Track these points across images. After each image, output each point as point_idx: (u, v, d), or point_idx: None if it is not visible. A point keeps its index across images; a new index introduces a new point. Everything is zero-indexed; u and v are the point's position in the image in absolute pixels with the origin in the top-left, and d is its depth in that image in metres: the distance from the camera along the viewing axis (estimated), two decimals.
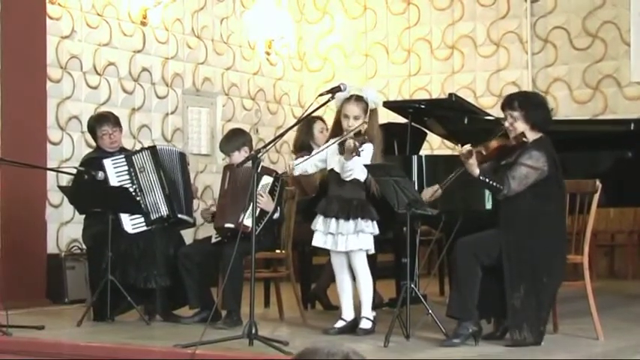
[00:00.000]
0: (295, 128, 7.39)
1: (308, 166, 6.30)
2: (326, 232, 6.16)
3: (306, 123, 7.75)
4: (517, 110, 5.70)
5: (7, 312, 6.22)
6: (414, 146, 7.69)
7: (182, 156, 7.31)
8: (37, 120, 8.55)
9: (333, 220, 6.12)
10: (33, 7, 8.55)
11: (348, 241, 6.10)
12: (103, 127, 7.22)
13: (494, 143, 5.69)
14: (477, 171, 5.59)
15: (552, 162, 5.63)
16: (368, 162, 6.07)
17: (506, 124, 5.74)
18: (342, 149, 6.03)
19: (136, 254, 6.91)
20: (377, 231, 6.17)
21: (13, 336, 6.14)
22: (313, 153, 6.33)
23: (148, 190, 7.04)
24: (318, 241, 6.22)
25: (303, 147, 7.81)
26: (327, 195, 6.24)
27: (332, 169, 6.19)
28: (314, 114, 7.06)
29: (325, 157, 6.23)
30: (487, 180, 5.61)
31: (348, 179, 6.09)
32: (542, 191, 5.61)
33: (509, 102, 5.78)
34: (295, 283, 7.07)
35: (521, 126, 5.70)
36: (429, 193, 5.99)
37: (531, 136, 5.70)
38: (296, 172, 6.34)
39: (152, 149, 7.21)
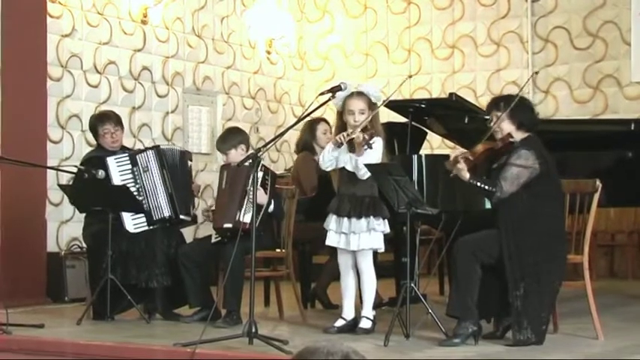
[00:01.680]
0: (298, 128, 7.38)
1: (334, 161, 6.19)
2: (339, 232, 6.15)
3: (310, 124, 7.77)
4: (501, 111, 5.73)
5: (7, 310, 6.22)
6: (414, 145, 7.69)
7: (183, 154, 7.28)
8: (37, 118, 8.55)
9: (346, 219, 6.10)
10: (34, 5, 8.54)
11: (360, 239, 6.09)
12: (105, 126, 7.21)
13: (480, 147, 5.69)
14: (466, 175, 5.60)
15: (543, 159, 5.64)
16: (379, 156, 6.05)
17: (493, 125, 5.76)
18: (352, 147, 6.01)
19: (138, 253, 6.90)
20: (388, 229, 6.16)
21: (13, 334, 6.14)
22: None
23: (151, 190, 7.03)
24: (331, 240, 6.20)
25: (306, 147, 7.83)
26: (339, 193, 6.20)
27: (343, 168, 6.16)
28: (316, 115, 7.06)
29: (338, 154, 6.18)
30: (477, 183, 5.62)
31: (364, 177, 6.07)
32: (537, 190, 5.62)
33: (495, 104, 5.85)
34: (295, 282, 7.07)
35: (507, 126, 5.73)
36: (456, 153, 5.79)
37: (518, 135, 5.73)
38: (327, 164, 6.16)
39: (156, 149, 7.18)
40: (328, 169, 6.24)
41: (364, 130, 6.00)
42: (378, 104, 6.20)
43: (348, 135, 5.97)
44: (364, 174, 6.03)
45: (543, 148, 5.70)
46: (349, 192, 6.14)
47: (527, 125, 5.76)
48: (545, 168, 5.64)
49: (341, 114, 6.18)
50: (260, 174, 6.61)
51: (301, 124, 7.53)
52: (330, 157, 6.14)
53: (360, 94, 6.11)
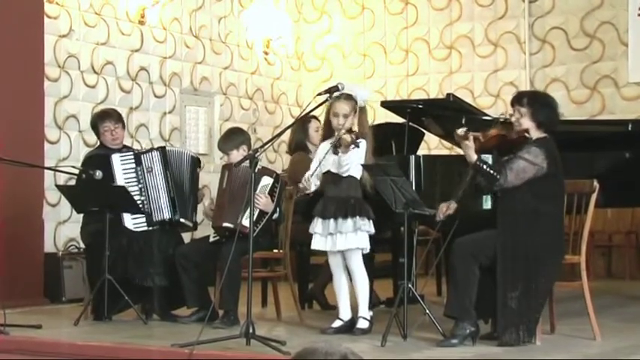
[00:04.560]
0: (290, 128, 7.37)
1: (317, 179, 6.24)
2: (325, 234, 6.15)
3: (301, 123, 7.73)
4: (525, 107, 5.72)
5: (5, 311, 6.21)
6: (411, 146, 7.69)
7: (193, 160, 7.25)
8: (34, 119, 8.54)
9: (332, 220, 6.12)
10: (31, 5, 8.54)
11: (347, 239, 6.10)
12: (105, 123, 7.20)
13: (493, 131, 5.69)
14: (474, 156, 5.59)
15: (552, 161, 5.62)
16: (362, 158, 6.07)
17: (513, 119, 5.75)
18: (336, 149, 6.04)
19: (136, 251, 6.90)
20: (373, 230, 6.17)
21: (11, 335, 6.14)
22: (314, 165, 6.20)
23: (153, 191, 7.02)
24: (317, 244, 6.21)
25: (298, 147, 7.80)
26: (324, 196, 6.22)
27: (327, 171, 6.17)
28: (317, 114, 7.07)
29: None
30: (484, 166, 5.60)
31: (345, 174, 6.08)
32: (540, 190, 5.61)
33: (519, 98, 5.81)
34: (293, 283, 7.07)
35: (526, 123, 5.71)
36: (445, 207, 5.92)
37: (535, 134, 5.71)
38: (312, 188, 6.23)
39: (162, 150, 7.17)
40: (312, 190, 6.25)
41: (350, 131, 6.03)
42: (365, 107, 6.22)
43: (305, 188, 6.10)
44: (346, 170, 6.07)
45: (556, 150, 5.69)
46: (333, 194, 6.16)
47: (547, 125, 5.74)
48: (553, 169, 5.62)
49: (328, 112, 6.21)
50: (270, 180, 6.62)
51: None
52: (315, 181, 6.17)
53: (347, 97, 6.13)
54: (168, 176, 7.06)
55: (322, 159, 6.14)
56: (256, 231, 6.35)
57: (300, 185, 6.22)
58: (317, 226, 6.19)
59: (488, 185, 5.72)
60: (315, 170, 6.15)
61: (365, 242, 6.16)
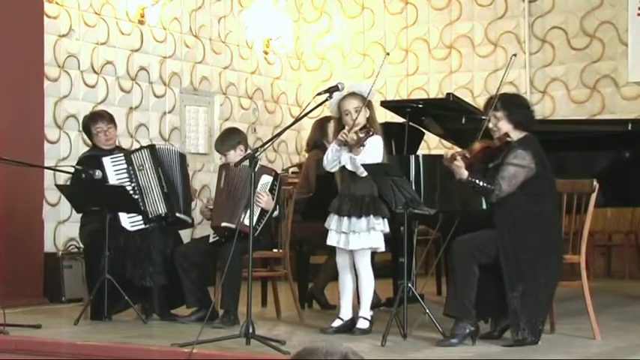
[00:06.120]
0: (296, 128, 7.39)
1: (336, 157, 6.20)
2: (339, 231, 6.14)
3: (320, 123, 7.80)
4: (500, 110, 5.73)
5: (4, 311, 6.21)
6: (411, 146, 7.68)
7: (182, 157, 7.28)
8: (34, 119, 8.54)
9: (346, 218, 6.10)
10: (31, 5, 8.54)
11: (360, 239, 6.09)
12: (97, 124, 7.22)
13: (477, 146, 5.69)
14: (465, 173, 5.59)
15: (539, 159, 5.64)
16: (380, 154, 6.04)
17: (490, 124, 5.75)
18: (349, 147, 6.03)
19: (133, 250, 6.90)
20: (387, 229, 6.15)
21: (10, 335, 6.13)
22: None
23: (147, 188, 7.03)
24: (331, 239, 6.20)
25: (316, 146, 7.83)
26: (339, 193, 6.20)
27: (344, 167, 6.15)
28: (314, 115, 7.07)
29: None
30: (477, 182, 5.61)
31: (362, 175, 6.06)
32: (533, 190, 5.62)
33: (491, 103, 5.80)
34: (292, 283, 7.07)
35: (505, 126, 5.73)
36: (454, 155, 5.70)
37: (515, 135, 5.73)
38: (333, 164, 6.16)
39: (151, 148, 7.20)
40: (333, 170, 6.24)
41: (363, 128, 6.01)
42: (372, 102, 6.21)
43: (346, 134, 5.99)
44: (363, 171, 6.04)
45: (540, 148, 5.71)
46: (349, 191, 6.14)
47: (525, 124, 5.77)
48: (542, 168, 5.64)
49: (339, 119, 6.20)
50: (269, 179, 6.62)
51: (299, 124, 7.53)
52: (334, 157, 6.14)
53: (352, 94, 6.12)
54: (160, 173, 7.07)
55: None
56: (258, 230, 6.35)
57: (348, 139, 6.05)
58: (332, 222, 6.18)
59: (486, 198, 5.74)
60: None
61: (379, 242, 6.14)
